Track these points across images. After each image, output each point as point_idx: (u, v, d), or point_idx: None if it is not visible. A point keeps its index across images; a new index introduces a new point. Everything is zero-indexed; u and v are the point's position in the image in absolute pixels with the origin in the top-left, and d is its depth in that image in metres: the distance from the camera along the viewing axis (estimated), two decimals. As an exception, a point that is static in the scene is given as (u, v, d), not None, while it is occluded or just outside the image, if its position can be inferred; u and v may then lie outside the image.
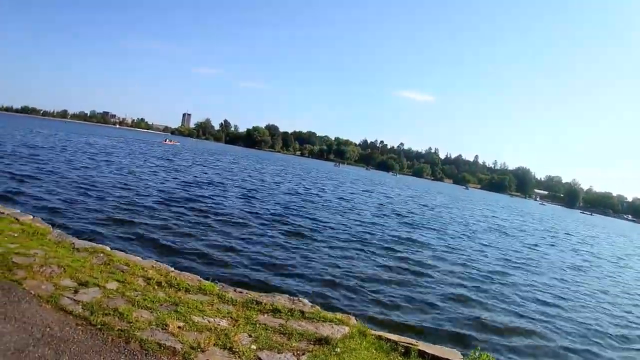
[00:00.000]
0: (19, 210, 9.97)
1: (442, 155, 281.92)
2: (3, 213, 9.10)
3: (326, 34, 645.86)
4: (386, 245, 17.27)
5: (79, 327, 4.70)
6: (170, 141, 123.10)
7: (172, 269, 7.61)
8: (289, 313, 6.07)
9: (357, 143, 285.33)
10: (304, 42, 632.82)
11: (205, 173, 39.61)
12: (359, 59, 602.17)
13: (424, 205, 44.71)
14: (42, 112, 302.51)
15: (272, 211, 21.67)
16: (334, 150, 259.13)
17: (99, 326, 4.78)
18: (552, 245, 30.20)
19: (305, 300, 6.71)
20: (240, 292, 6.74)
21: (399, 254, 15.99)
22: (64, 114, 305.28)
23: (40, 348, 4.16)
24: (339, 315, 6.30)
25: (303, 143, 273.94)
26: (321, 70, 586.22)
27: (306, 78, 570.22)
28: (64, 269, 6.33)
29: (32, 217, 9.56)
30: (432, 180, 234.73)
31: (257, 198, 25.91)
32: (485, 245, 22.92)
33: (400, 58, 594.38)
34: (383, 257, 15.19)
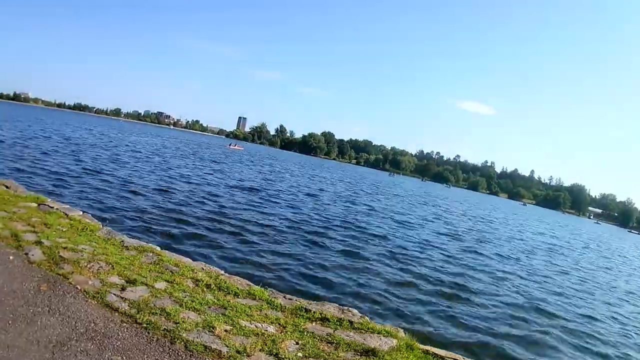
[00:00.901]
0: (68, 206, 10.22)
1: (498, 169, 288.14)
2: (52, 207, 9.35)
3: (386, 40, 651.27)
4: (439, 259, 17.17)
5: (124, 324, 4.73)
6: (235, 145, 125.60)
7: (222, 272, 7.62)
8: (338, 322, 5.98)
9: (414, 153, 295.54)
10: (363, 49, 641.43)
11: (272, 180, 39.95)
12: (420, 67, 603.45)
13: (480, 220, 43.74)
14: (95, 109, 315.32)
15: (327, 220, 21.78)
16: (390, 160, 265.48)
17: (145, 325, 4.80)
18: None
19: (355, 310, 6.61)
20: (290, 299, 6.69)
21: (453, 269, 15.87)
22: (117, 113, 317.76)
23: (82, 342, 4.20)
24: (387, 327, 6.18)
25: (359, 151, 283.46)
26: (380, 78, 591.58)
27: (365, 85, 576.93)
28: (112, 266, 6.43)
29: (81, 212, 9.80)
30: (488, 194, 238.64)
31: (321, 208, 25.99)
32: (549, 265, 22.29)
33: (461, 68, 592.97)
34: (436, 270, 15.06)
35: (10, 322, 4.32)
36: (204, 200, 20.30)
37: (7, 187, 10.85)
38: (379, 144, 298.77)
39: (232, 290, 6.51)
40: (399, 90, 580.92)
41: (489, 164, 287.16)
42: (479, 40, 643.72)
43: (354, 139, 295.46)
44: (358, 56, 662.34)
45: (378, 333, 5.87)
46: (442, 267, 15.80)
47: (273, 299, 6.46)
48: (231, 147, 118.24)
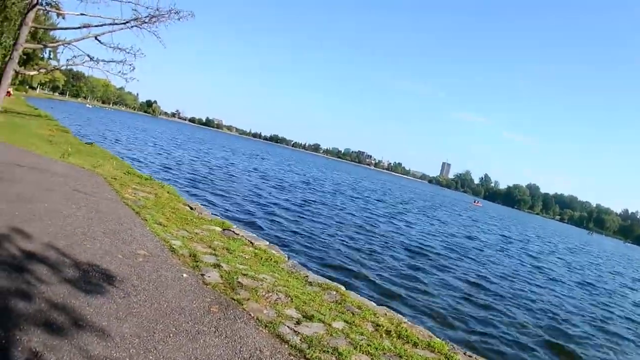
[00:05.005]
0: (254, 235, 11.06)
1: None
2: (237, 234, 10.30)
3: (599, 86, 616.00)
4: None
5: (291, 357, 5.02)
6: (477, 203, 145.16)
7: (405, 320, 7.74)
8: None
9: (618, 212, 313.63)
10: (570, 94, 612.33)
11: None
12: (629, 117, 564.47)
13: None
14: (292, 143, 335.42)
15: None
16: (594, 219, 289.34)
17: (312, 360, 5.02)
18: None
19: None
20: (470, 357, 6.69)
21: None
22: (316, 148, 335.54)
23: (244, 367, 4.51)
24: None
25: (563, 207, 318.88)
26: (591, 128, 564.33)
27: (573, 133, 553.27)
28: (291, 299, 6.88)
29: (267, 243, 10.59)
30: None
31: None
32: None
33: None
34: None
35: (171, 335, 4.82)
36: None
37: (191, 208, 12.18)
38: (584, 200, 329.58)
39: (411, 340, 6.60)
40: (610, 140, 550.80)
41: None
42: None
43: (559, 193, 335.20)
44: (568, 103, 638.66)
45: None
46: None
47: (452, 354, 6.48)
48: (475, 204, 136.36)
